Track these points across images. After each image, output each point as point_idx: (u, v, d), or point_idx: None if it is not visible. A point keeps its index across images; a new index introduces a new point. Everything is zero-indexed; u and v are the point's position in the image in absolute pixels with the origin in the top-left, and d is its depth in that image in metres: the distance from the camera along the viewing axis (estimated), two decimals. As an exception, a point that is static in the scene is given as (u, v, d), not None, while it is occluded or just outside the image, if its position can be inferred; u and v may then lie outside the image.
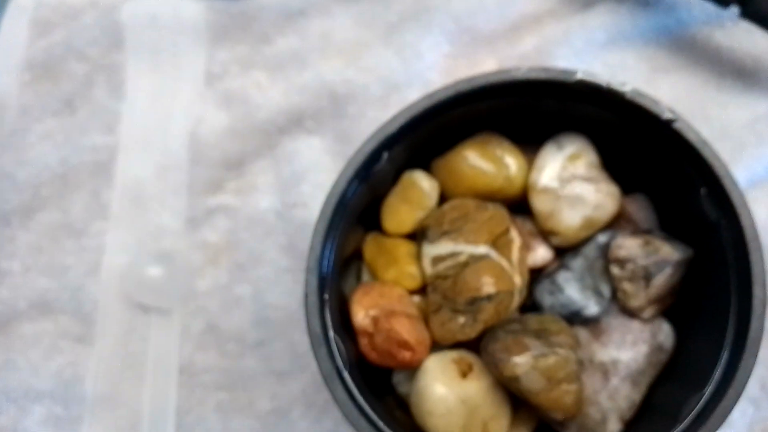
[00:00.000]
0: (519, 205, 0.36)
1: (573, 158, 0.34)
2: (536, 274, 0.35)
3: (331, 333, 0.30)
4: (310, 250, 0.30)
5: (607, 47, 0.45)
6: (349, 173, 0.30)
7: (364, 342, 0.33)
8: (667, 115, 0.29)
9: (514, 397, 0.33)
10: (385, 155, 0.31)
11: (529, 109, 0.33)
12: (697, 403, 0.29)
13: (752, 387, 0.42)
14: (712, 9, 0.45)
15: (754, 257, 0.29)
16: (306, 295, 0.30)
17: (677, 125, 0.29)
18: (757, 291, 0.29)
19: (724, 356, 0.29)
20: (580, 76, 0.29)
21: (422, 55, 0.46)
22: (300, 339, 0.45)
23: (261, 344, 0.45)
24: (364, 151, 0.30)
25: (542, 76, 0.29)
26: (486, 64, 0.46)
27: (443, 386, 0.31)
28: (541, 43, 0.45)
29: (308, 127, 0.46)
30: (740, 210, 0.29)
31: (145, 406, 0.45)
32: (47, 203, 0.47)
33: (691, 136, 0.29)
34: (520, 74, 0.29)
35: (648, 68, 0.46)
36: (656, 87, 0.45)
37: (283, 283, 0.45)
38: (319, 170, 0.46)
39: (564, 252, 0.35)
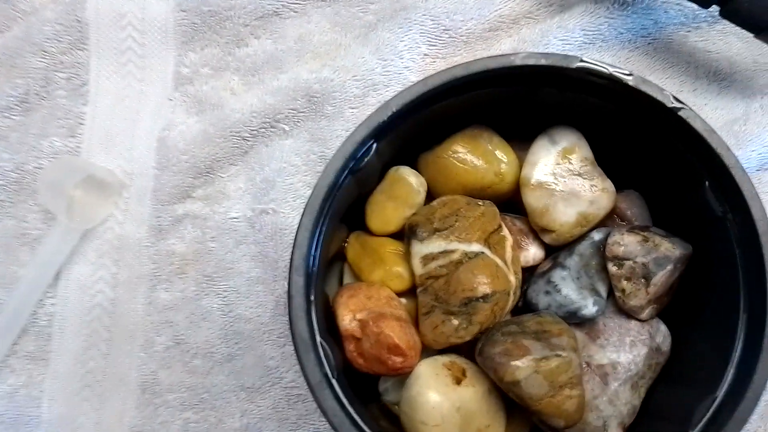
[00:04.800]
0: (507, 203, 0.35)
1: (567, 153, 0.33)
2: (527, 275, 0.34)
3: (318, 337, 0.28)
4: (295, 248, 0.28)
5: (585, 48, 0.45)
6: (338, 163, 0.28)
7: (350, 347, 0.31)
8: (672, 103, 0.28)
9: (508, 404, 0.31)
10: (374, 146, 0.29)
11: (523, 100, 0.31)
12: (710, 408, 0.28)
13: None
14: (689, 10, 0.45)
15: (767, 251, 0.27)
16: (291, 297, 0.28)
17: (684, 113, 0.28)
18: (772, 286, 0.27)
19: (736, 357, 0.28)
20: (581, 62, 0.28)
21: (400, 54, 0.44)
22: (271, 352, 0.43)
23: (230, 359, 0.43)
24: (354, 140, 0.28)
25: (542, 62, 0.28)
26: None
27: (437, 394, 0.30)
28: (519, 44, 0.44)
29: (283, 129, 0.44)
30: (751, 202, 0.28)
31: (104, 429, 0.43)
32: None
33: (698, 125, 0.28)
34: (519, 59, 0.28)
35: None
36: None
37: (254, 294, 0.43)
38: (287, 173, 0.44)
39: (554, 251, 0.34)
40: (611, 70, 0.28)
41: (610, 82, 0.28)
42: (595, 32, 0.45)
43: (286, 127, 0.45)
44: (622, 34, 0.45)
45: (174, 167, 0.44)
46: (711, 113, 0.45)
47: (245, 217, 0.44)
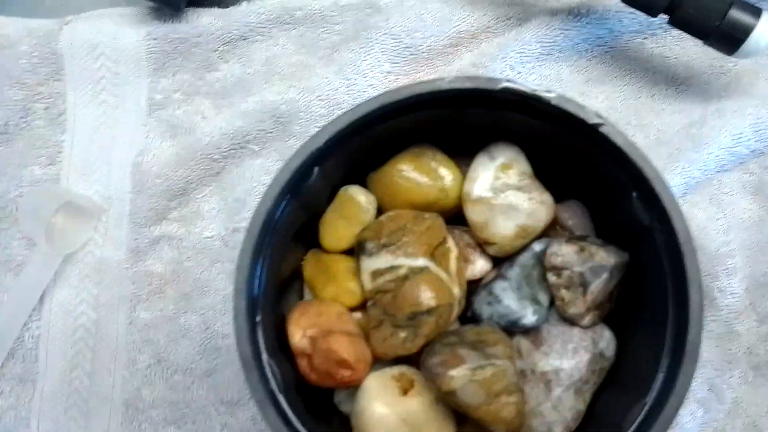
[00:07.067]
0: (457, 217, 0.36)
1: (505, 168, 0.34)
2: (475, 286, 0.35)
3: (265, 356, 0.29)
4: (237, 271, 0.29)
5: (542, 60, 0.46)
6: (275, 190, 0.29)
7: (302, 363, 0.32)
8: (593, 120, 0.29)
9: (459, 413, 0.32)
10: (316, 170, 0.31)
11: (459, 120, 0.33)
12: (640, 413, 0.28)
13: (700, 389, 0.42)
14: (643, 18, 0.45)
15: (688, 260, 0.28)
16: (235, 318, 0.29)
17: (604, 129, 0.29)
18: (693, 295, 0.28)
19: (665, 363, 0.29)
20: (504, 84, 0.29)
21: (363, 73, 0.46)
22: (249, 366, 0.44)
23: (209, 374, 0.44)
24: (290, 168, 0.29)
25: (467, 85, 0.29)
26: (425, 81, 0.45)
27: (383, 405, 0.31)
28: (478, 59, 0.45)
29: (252, 149, 0.46)
30: (672, 213, 0.28)
31: (90, 446, 0.44)
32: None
33: (618, 140, 0.29)
34: (445, 84, 0.29)
35: (582, 79, 0.46)
36: (591, 97, 0.46)
37: (230, 310, 0.44)
38: (258, 192, 0.45)
39: (502, 262, 0.35)
40: (533, 90, 0.29)
41: (534, 101, 0.29)
42: (552, 44, 0.46)
43: (256, 148, 0.46)
44: (578, 44, 0.46)
45: (149, 190, 0.46)
46: (669, 117, 0.46)
47: (219, 236, 0.45)
